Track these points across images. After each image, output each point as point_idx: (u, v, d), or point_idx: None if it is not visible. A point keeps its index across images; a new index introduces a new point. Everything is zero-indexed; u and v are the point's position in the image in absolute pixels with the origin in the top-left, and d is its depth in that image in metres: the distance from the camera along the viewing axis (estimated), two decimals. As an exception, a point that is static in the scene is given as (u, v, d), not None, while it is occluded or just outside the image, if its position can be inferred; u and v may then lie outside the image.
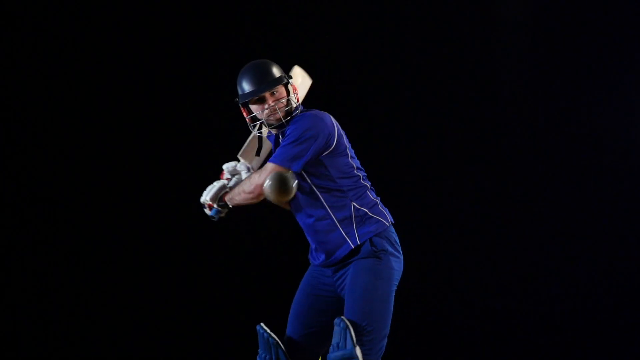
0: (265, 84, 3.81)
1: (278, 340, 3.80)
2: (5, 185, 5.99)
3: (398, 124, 6.24)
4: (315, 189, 3.83)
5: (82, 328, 6.05)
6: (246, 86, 3.83)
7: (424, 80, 6.24)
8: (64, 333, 6.02)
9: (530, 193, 6.21)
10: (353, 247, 3.81)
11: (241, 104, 3.86)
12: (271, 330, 3.83)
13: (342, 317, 3.65)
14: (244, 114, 3.89)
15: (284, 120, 3.83)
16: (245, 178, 3.95)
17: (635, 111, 6.09)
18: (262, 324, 3.83)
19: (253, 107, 3.84)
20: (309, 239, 3.88)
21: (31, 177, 6.01)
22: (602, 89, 6.13)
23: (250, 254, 6.17)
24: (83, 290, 6.06)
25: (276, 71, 3.85)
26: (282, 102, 3.82)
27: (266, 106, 3.81)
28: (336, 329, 3.65)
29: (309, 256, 3.92)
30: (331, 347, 3.65)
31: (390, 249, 3.86)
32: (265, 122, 3.85)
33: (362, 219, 3.87)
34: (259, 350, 3.83)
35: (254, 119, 3.88)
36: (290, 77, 3.88)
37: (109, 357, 6.06)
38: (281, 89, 3.85)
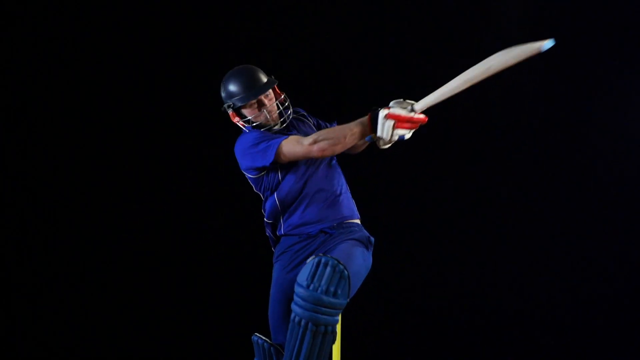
0: (263, 85, 3.87)
1: (278, 348, 3.80)
2: (5, 185, 6.00)
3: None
4: (334, 157, 4.01)
5: (82, 328, 6.05)
6: (240, 89, 3.89)
7: (424, 80, 6.24)
8: (64, 333, 6.03)
9: (530, 193, 6.21)
10: (355, 214, 3.97)
11: (234, 109, 3.90)
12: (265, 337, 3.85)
13: (344, 266, 3.62)
14: (235, 118, 3.92)
15: (285, 116, 3.93)
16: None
17: (635, 111, 6.09)
18: (257, 334, 3.84)
19: (247, 111, 3.89)
20: (315, 208, 3.89)
21: (31, 177, 6.02)
22: (602, 89, 6.13)
23: (249, 255, 6.17)
24: (83, 290, 6.07)
25: (263, 75, 3.92)
26: (275, 103, 3.91)
27: (268, 107, 3.87)
28: (330, 271, 3.60)
29: (300, 229, 3.91)
30: (318, 287, 3.58)
31: None
32: (263, 124, 3.90)
33: None
34: (256, 358, 3.83)
35: (248, 123, 3.92)
36: (276, 80, 3.97)
37: (109, 357, 6.07)
38: (271, 91, 3.95)
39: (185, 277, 6.15)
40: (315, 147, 3.78)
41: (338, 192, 3.97)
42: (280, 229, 3.95)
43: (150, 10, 6.08)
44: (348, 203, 3.99)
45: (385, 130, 3.82)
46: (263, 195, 3.95)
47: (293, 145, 3.82)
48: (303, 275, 3.59)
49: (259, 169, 3.88)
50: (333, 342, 3.60)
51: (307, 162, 3.92)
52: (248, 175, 3.94)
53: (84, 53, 6.04)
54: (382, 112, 3.79)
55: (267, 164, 3.82)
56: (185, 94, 6.12)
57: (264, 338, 3.82)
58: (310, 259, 3.63)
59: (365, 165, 6.11)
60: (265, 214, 3.98)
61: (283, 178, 3.90)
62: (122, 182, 6.09)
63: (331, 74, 6.22)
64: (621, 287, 6.12)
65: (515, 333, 6.18)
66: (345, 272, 3.59)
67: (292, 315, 3.59)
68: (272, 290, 3.93)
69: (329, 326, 3.57)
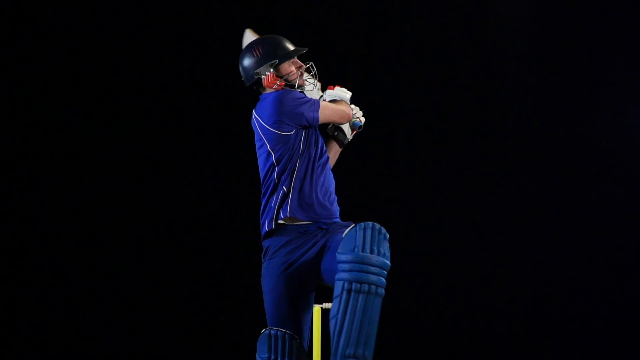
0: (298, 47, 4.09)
1: (294, 336, 3.77)
2: (6, 185, 6.01)
3: (396, 124, 6.26)
4: None
5: (83, 328, 6.06)
6: (283, 47, 4.04)
7: (423, 80, 6.25)
8: (63, 333, 6.03)
9: (529, 193, 6.22)
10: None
11: (275, 68, 4.01)
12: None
13: (383, 228, 3.69)
14: (272, 78, 3.99)
15: (317, 77, 4.09)
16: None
17: (634, 111, 6.10)
18: (271, 327, 3.80)
19: (285, 70, 4.02)
20: (319, 197, 3.94)
21: (31, 177, 6.03)
22: (601, 89, 6.14)
23: (249, 254, 6.18)
24: (83, 291, 6.07)
25: None
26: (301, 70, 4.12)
27: (303, 68, 4.05)
28: (371, 232, 3.65)
29: (312, 216, 3.91)
30: (363, 248, 3.62)
31: None
32: (292, 83, 4.04)
33: None
34: (267, 355, 3.77)
35: (287, 82, 4.04)
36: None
37: (109, 357, 6.07)
38: None
39: (184, 277, 6.15)
40: (348, 111, 4.07)
41: (334, 192, 4.00)
42: (285, 208, 3.92)
43: (150, 12, 6.09)
44: (336, 205, 4.01)
45: (341, 89, 4.13)
46: (278, 158, 3.94)
47: (332, 106, 4.03)
48: (347, 245, 3.62)
49: (299, 123, 3.92)
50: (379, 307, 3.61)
51: (323, 147, 3.97)
52: (274, 131, 3.94)
53: (83, 52, 6.05)
54: (326, 92, 4.13)
55: (313, 118, 3.93)
56: (184, 95, 6.13)
57: (282, 330, 3.77)
58: (347, 231, 3.67)
59: (364, 165, 6.11)
60: (275, 181, 3.95)
61: (305, 143, 3.95)
62: (121, 183, 6.09)
63: (328, 73, 6.23)
64: (620, 287, 6.13)
65: (515, 333, 6.18)
66: (387, 234, 3.66)
67: (341, 285, 3.58)
68: (271, 292, 3.87)
69: (379, 287, 3.59)
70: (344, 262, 3.59)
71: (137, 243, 6.11)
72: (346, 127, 4.14)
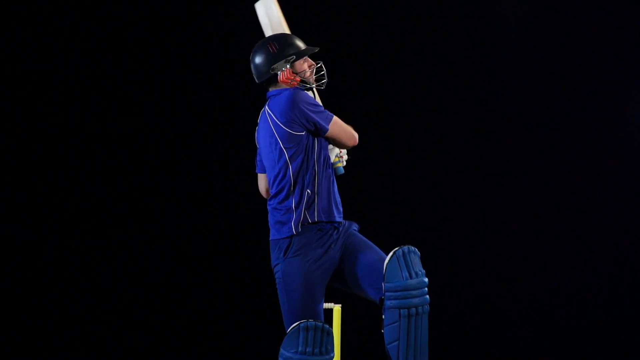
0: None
1: (329, 327, 3.86)
2: (7, 185, 6.01)
3: (396, 124, 6.26)
4: None
5: (83, 328, 6.06)
6: (299, 44, 4.11)
7: (424, 80, 6.25)
8: (61, 333, 6.04)
9: (528, 192, 6.22)
10: None
11: (291, 65, 4.06)
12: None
13: (414, 247, 3.95)
14: (289, 74, 4.04)
15: (327, 78, 4.14)
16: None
17: (634, 111, 6.11)
18: (309, 320, 3.83)
19: (303, 65, 4.08)
20: (330, 195, 4.02)
21: (31, 177, 6.03)
22: (601, 89, 6.15)
23: (249, 254, 6.18)
24: (83, 291, 6.08)
25: None
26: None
27: (314, 66, 4.11)
28: (408, 257, 3.93)
29: (331, 216, 4.01)
30: (403, 276, 3.89)
31: None
32: (307, 81, 4.09)
33: None
34: (302, 349, 3.78)
35: (302, 78, 4.09)
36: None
37: (109, 357, 6.08)
38: None
39: (184, 277, 6.16)
40: (356, 135, 4.11)
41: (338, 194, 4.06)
42: (313, 211, 3.96)
43: (151, 11, 6.10)
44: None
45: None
46: (292, 156, 3.97)
47: (343, 124, 4.06)
48: (391, 277, 3.89)
49: (307, 127, 3.97)
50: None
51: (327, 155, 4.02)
52: (285, 129, 3.98)
53: (83, 52, 6.05)
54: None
55: (323, 127, 4.00)
56: (185, 96, 6.13)
57: (319, 321, 3.86)
58: (387, 261, 3.90)
59: (364, 165, 6.12)
60: (292, 181, 3.97)
61: (319, 145, 4.01)
62: (122, 183, 6.10)
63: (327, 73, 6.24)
64: (619, 287, 6.13)
65: (515, 333, 6.19)
66: (418, 251, 3.95)
67: (396, 313, 3.88)
68: (297, 291, 3.91)
69: (425, 306, 3.95)
70: (392, 291, 3.89)
71: (137, 243, 6.12)
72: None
